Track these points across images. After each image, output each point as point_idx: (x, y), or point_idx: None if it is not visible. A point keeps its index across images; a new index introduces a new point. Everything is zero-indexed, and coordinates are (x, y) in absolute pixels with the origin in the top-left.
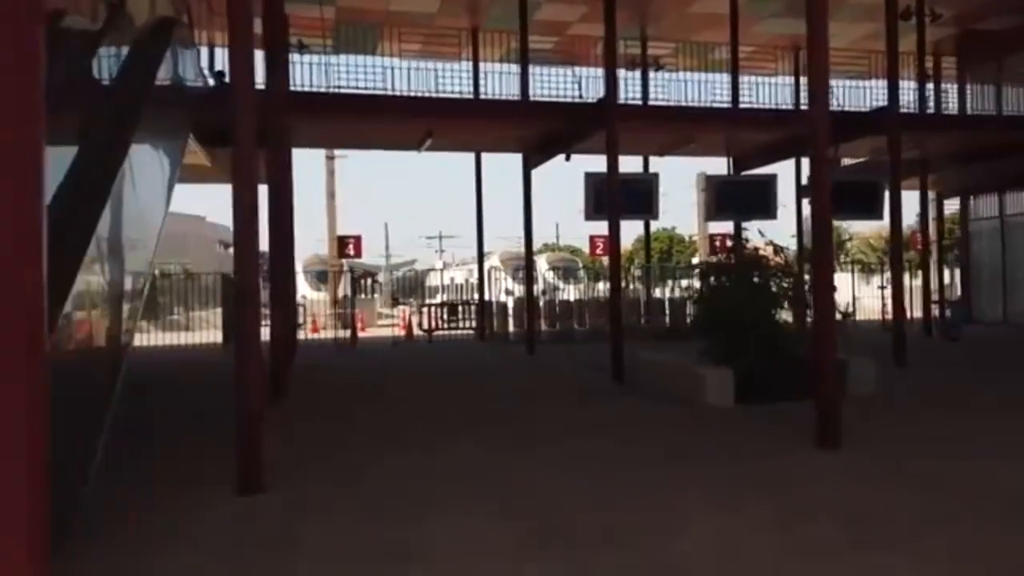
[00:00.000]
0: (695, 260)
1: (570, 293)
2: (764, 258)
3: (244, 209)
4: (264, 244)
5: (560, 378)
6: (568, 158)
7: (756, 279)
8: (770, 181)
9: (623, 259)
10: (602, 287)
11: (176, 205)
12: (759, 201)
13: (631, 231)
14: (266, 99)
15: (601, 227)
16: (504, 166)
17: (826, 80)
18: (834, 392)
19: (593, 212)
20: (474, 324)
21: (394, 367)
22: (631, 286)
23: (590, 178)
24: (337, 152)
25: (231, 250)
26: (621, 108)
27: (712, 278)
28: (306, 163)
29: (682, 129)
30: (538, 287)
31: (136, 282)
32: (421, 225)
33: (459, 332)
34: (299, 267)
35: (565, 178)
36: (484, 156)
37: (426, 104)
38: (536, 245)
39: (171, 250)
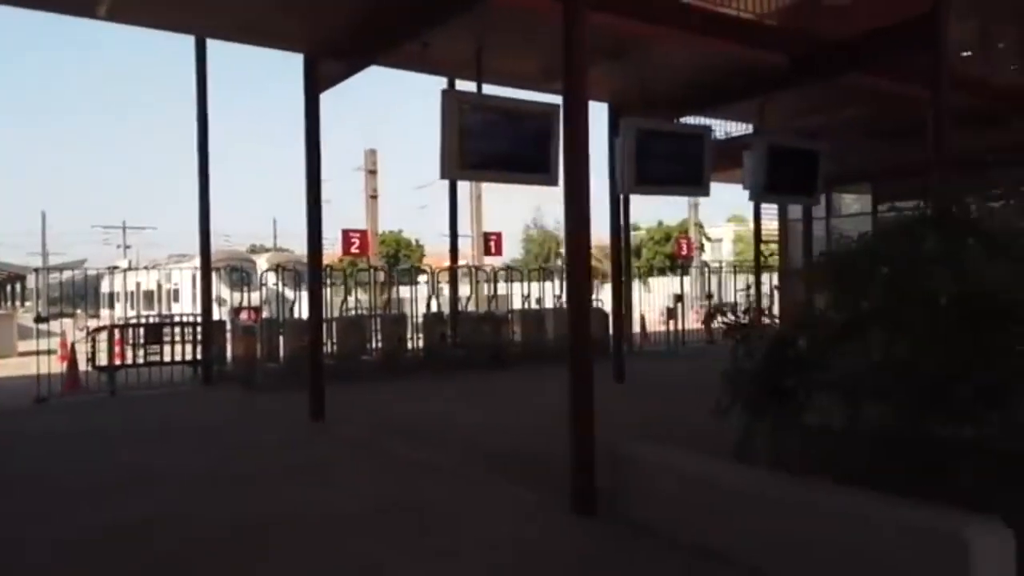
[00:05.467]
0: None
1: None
2: None
3: None
4: None
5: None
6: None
7: None
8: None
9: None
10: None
11: None
12: (688, 166)
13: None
14: None
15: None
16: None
17: None
18: None
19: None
20: (192, 354)
21: None
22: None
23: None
24: None
25: None
26: None
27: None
28: None
29: None
30: (255, 296)
31: None
32: (95, 213)
33: (165, 365)
34: None
35: (266, 160)
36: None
37: None
38: (242, 244)
39: None
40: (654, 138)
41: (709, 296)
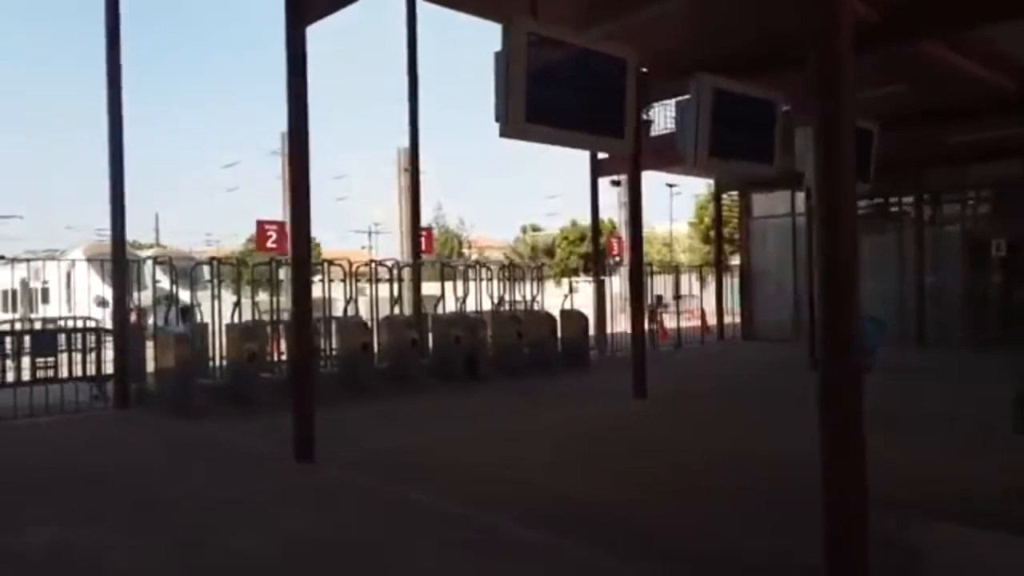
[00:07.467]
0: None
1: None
2: None
3: None
4: None
5: None
6: None
7: None
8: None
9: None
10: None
11: None
12: (759, 138)
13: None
14: None
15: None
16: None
17: None
18: None
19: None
20: (97, 368)
21: None
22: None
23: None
24: None
25: None
26: None
27: None
28: None
29: None
30: (143, 296)
31: None
32: None
33: (65, 382)
34: None
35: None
36: None
37: None
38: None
39: None
40: (729, 102)
41: (677, 297)
